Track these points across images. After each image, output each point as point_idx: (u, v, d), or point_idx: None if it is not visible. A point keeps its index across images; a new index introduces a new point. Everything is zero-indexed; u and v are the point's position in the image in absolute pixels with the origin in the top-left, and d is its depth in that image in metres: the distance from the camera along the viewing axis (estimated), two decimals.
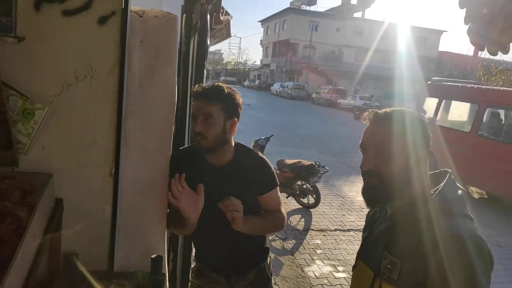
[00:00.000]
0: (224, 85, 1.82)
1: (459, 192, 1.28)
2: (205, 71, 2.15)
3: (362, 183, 1.33)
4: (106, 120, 1.64)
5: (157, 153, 1.76)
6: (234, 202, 1.71)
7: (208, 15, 2.08)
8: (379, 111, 1.32)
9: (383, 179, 1.25)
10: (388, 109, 1.31)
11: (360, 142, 1.33)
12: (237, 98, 1.83)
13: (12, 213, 1.33)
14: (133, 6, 1.66)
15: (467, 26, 0.94)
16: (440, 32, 51.74)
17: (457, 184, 1.30)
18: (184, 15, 2.17)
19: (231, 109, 1.80)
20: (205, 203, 1.84)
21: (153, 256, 1.70)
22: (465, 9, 0.95)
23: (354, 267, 1.47)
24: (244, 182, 1.87)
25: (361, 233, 1.62)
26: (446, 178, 1.29)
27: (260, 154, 1.97)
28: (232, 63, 78.89)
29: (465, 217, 1.22)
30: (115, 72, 1.61)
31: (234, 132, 1.84)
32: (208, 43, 2.09)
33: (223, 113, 1.76)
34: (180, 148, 2.03)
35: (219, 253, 1.97)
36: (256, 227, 1.87)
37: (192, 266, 2.06)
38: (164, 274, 1.73)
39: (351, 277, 1.55)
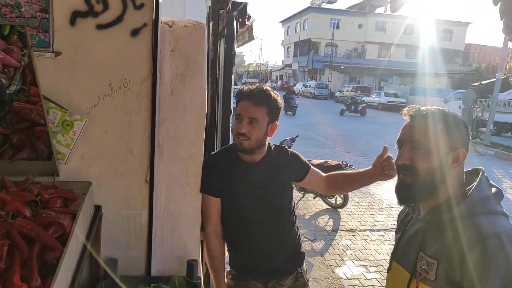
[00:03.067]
0: (270, 89, 1.87)
1: (493, 190, 1.27)
2: (233, 76, 2.18)
3: (396, 181, 1.34)
4: (141, 128, 1.69)
5: (189, 159, 1.80)
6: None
7: (234, 21, 2.11)
8: (421, 108, 1.32)
9: (417, 176, 1.25)
10: (429, 107, 1.31)
11: (398, 137, 1.33)
12: (280, 102, 1.88)
13: (56, 221, 1.39)
14: (162, 17, 1.71)
15: (494, 18, 0.94)
16: (466, 24, 50.35)
17: (490, 181, 1.29)
18: (211, 23, 2.21)
19: (274, 113, 1.85)
20: (244, 201, 1.89)
21: (189, 260, 1.75)
22: (499, 4, 0.94)
23: (389, 269, 1.47)
24: (281, 175, 1.94)
25: (391, 233, 1.65)
26: (479, 176, 1.28)
27: (289, 148, 2.06)
28: (253, 65, 79.12)
29: (500, 214, 1.21)
30: (148, 82, 1.66)
31: (272, 135, 1.89)
32: (235, 49, 2.12)
33: (267, 117, 1.81)
34: (212, 153, 2.07)
35: (255, 257, 1.97)
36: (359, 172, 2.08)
37: (227, 269, 2.08)
38: (200, 278, 1.77)
39: (385, 278, 1.55)
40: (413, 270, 1.29)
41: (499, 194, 1.26)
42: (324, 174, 2.13)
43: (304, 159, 2.08)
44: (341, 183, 2.12)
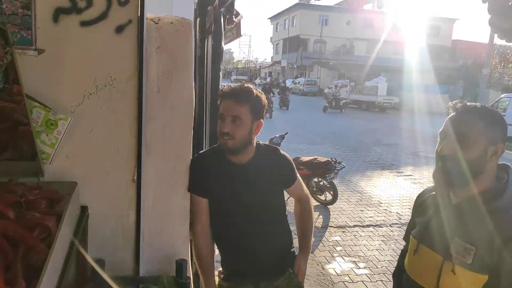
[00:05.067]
0: (252, 87, 1.84)
1: None
2: (220, 73, 2.16)
3: (434, 167, 1.43)
4: (127, 127, 1.66)
5: (177, 157, 1.78)
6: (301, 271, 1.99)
7: (222, 18, 2.08)
8: (467, 103, 1.40)
9: (459, 165, 1.33)
10: (473, 103, 1.40)
11: (441, 129, 1.41)
12: (263, 100, 1.85)
13: (40, 223, 1.36)
14: (148, 14, 1.68)
15: (481, 14, 0.95)
16: (453, 21, 50.88)
17: None
18: (198, 19, 2.18)
19: (258, 111, 1.82)
20: (232, 201, 1.86)
21: (178, 259, 1.73)
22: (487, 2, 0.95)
23: (415, 251, 1.52)
24: (269, 178, 1.91)
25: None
26: (509, 171, 1.38)
27: (281, 151, 2.01)
28: (242, 62, 78.96)
29: None
30: (134, 80, 1.63)
31: (258, 133, 1.86)
32: (223, 45, 2.10)
33: (251, 114, 1.78)
34: (200, 152, 2.05)
35: (245, 258, 1.95)
36: (310, 236, 2.08)
37: (219, 269, 2.07)
38: (189, 277, 1.75)
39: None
40: (447, 253, 1.37)
41: None
42: (302, 194, 2.11)
43: (295, 171, 2.03)
44: (297, 217, 2.13)
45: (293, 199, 2.18)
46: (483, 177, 1.34)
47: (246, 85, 1.83)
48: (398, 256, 1.81)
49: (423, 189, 1.68)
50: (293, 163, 2.04)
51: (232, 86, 1.83)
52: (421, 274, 1.50)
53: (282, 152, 2.00)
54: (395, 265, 1.84)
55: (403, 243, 1.77)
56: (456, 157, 1.34)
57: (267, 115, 20.52)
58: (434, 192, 1.54)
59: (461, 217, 1.37)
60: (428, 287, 1.44)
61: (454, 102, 1.42)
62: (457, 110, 1.39)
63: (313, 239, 5.23)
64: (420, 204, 1.62)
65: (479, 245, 1.30)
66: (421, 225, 1.54)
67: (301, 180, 2.11)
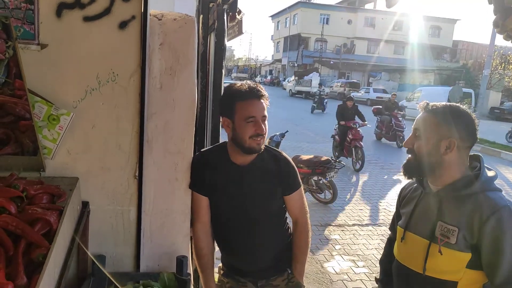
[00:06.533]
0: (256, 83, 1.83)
1: (493, 172, 1.55)
2: (223, 71, 2.16)
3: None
4: (129, 123, 1.66)
5: (179, 154, 1.78)
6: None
7: (225, 15, 2.08)
8: (430, 103, 1.57)
9: (416, 157, 1.55)
10: (438, 103, 1.56)
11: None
12: None
13: (42, 218, 1.36)
14: (151, 10, 1.67)
15: (482, 15, 0.96)
16: (454, 21, 50.80)
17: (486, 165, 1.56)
18: (201, 16, 2.18)
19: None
20: (233, 203, 1.86)
21: (178, 256, 1.73)
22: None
23: (402, 239, 1.66)
24: (270, 181, 1.87)
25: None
26: (481, 161, 1.55)
27: (284, 154, 1.96)
28: (243, 59, 78.89)
29: (500, 191, 1.49)
30: (137, 76, 1.63)
31: None
32: (226, 43, 2.10)
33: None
34: (202, 150, 2.04)
35: (243, 257, 1.94)
36: (304, 261, 2.00)
37: (219, 265, 2.07)
38: (190, 274, 1.75)
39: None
40: (432, 236, 1.52)
41: (497, 176, 1.55)
42: (300, 213, 1.99)
43: (297, 178, 1.95)
44: (293, 238, 2.01)
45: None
46: (449, 168, 1.51)
47: (254, 83, 1.81)
48: None
49: (405, 183, 1.83)
50: (296, 170, 1.96)
51: (253, 86, 1.78)
52: (409, 258, 1.63)
53: (285, 155, 1.96)
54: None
55: None
56: (413, 150, 1.57)
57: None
58: (415, 185, 1.70)
59: (442, 203, 1.53)
60: (416, 269, 1.58)
61: (423, 102, 1.60)
62: (422, 109, 1.58)
63: (312, 237, 5.24)
64: (404, 197, 1.77)
65: (461, 226, 1.45)
66: (406, 215, 1.68)
67: (304, 196, 2.01)
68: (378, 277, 1.96)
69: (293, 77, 36.41)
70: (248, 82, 1.82)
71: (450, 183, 1.52)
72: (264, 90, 1.79)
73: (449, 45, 49.02)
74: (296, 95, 33.99)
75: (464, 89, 22.34)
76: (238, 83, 1.82)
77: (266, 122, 1.77)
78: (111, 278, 1.61)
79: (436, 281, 1.52)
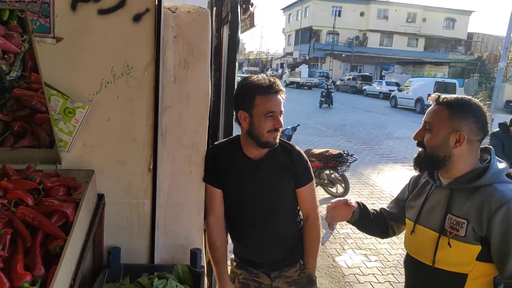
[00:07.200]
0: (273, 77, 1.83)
1: (504, 164, 1.54)
2: (237, 64, 2.15)
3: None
4: (143, 116, 1.66)
5: (192, 147, 1.78)
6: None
7: (238, 7, 2.06)
8: (441, 95, 1.56)
9: (426, 150, 1.54)
10: (450, 96, 1.54)
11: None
12: None
13: (59, 210, 1.37)
14: (165, 2, 1.67)
15: (498, 7, 0.92)
16: (469, 13, 49.87)
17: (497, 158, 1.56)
18: (215, 8, 2.17)
19: None
20: (246, 196, 1.86)
21: (192, 248, 1.74)
22: None
23: (412, 231, 1.66)
24: (283, 174, 1.88)
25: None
26: (492, 153, 1.54)
27: (297, 147, 1.96)
28: (254, 53, 78.63)
29: (511, 183, 1.48)
30: (151, 69, 1.63)
31: None
32: (240, 35, 2.08)
33: None
34: (216, 143, 2.04)
35: (255, 249, 1.96)
36: (316, 255, 2.01)
37: (231, 257, 2.08)
38: (203, 267, 1.76)
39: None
40: (441, 229, 1.52)
41: (507, 168, 1.53)
42: (311, 208, 1.99)
43: (309, 172, 1.94)
44: (304, 235, 2.02)
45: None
46: (459, 161, 1.50)
47: (271, 76, 1.82)
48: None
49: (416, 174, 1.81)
50: (309, 164, 1.96)
51: (271, 80, 1.77)
52: (419, 250, 1.64)
53: (297, 149, 1.96)
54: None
55: None
56: (423, 143, 1.55)
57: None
58: (426, 178, 1.69)
59: (451, 196, 1.53)
60: (426, 261, 1.58)
61: (434, 94, 1.59)
62: (433, 101, 1.57)
63: (323, 231, 5.24)
64: (414, 188, 1.76)
65: (469, 218, 1.45)
66: (416, 208, 1.67)
67: (315, 190, 2.01)
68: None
69: (287, 70, 42.07)
70: (265, 75, 1.81)
71: (460, 176, 1.52)
72: (281, 84, 1.79)
73: (463, 37, 48.17)
74: (290, 86, 36.69)
75: (448, 79, 23.33)
76: (254, 76, 1.81)
77: (282, 116, 1.78)
78: (125, 270, 1.63)
79: (446, 274, 1.51)
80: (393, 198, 1.96)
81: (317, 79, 36.32)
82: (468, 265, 1.47)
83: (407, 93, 22.69)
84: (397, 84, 29.16)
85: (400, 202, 1.84)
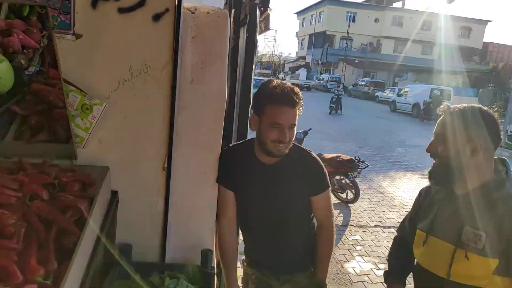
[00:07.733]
0: (295, 86, 1.76)
1: None
2: (253, 66, 2.14)
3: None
4: (160, 115, 1.67)
5: (207, 148, 1.78)
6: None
7: (257, 9, 2.06)
8: (451, 106, 1.55)
9: (441, 161, 1.52)
10: (460, 105, 1.53)
11: (433, 130, 1.59)
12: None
13: (73, 205, 1.38)
14: (185, 3, 1.67)
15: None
16: (485, 22, 49.34)
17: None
18: (233, 10, 2.17)
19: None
20: (256, 201, 1.85)
21: (203, 249, 1.74)
22: None
23: (424, 243, 1.61)
24: (296, 181, 1.84)
25: None
26: (507, 164, 1.53)
27: (313, 154, 1.93)
28: (267, 56, 78.62)
29: None
30: (168, 68, 1.63)
31: None
32: (257, 38, 2.08)
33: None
34: (231, 145, 2.03)
35: (266, 251, 1.95)
36: (328, 263, 1.97)
37: (242, 258, 2.07)
38: (214, 268, 1.76)
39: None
40: (458, 241, 1.48)
41: None
42: (326, 216, 1.94)
43: (326, 179, 1.89)
44: (317, 243, 1.96)
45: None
46: (478, 171, 1.48)
47: (294, 88, 1.73)
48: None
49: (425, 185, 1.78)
50: (325, 171, 1.91)
51: (284, 89, 1.71)
52: (433, 263, 1.60)
53: (313, 155, 1.92)
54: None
55: None
56: (437, 154, 1.54)
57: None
58: (438, 187, 1.66)
59: (469, 207, 1.48)
60: (440, 274, 1.54)
61: (444, 105, 1.58)
62: (444, 112, 1.55)
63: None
64: (425, 199, 1.72)
65: (488, 231, 1.42)
66: (429, 219, 1.63)
67: (330, 198, 1.95)
68: (387, 269, 1.91)
69: (289, 72, 47.30)
70: (287, 83, 1.76)
71: (479, 186, 1.49)
72: (300, 95, 1.73)
73: (479, 47, 47.64)
74: None
75: (444, 87, 23.42)
76: (276, 81, 1.77)
77: (294, 129, 1.74)
78: (136, 268, 1.63)
79: (461, 287, 1.49)
80: (403, 207, 1.93)
81: (315, 81, 40.47)
82: (484, 278, 1.44)
83: (405, 98, 23.70)
84: None
85: (414, 224, 1.75)
